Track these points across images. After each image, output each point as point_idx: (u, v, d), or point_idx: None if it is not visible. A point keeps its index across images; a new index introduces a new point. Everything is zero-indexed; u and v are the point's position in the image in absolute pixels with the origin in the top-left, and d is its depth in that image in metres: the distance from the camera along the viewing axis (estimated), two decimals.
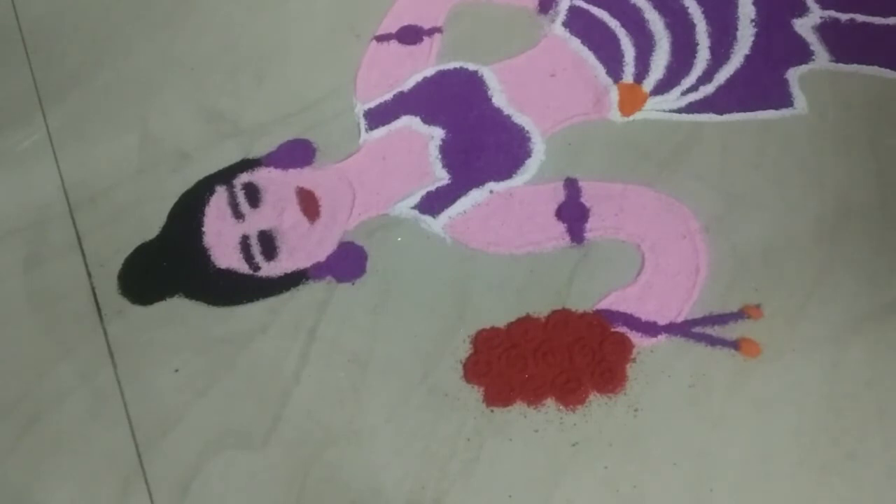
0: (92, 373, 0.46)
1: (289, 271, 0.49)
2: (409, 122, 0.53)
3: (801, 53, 0.53)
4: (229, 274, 0.49)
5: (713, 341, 0.43)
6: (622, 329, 0.44)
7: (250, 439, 0.43)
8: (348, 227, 0.50)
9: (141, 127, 0.55)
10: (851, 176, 0.47)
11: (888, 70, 0.52)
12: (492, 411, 0.43)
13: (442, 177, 0.51)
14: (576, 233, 0.47)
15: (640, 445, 0.41)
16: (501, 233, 0.48)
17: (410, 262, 0.48)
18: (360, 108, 0.54)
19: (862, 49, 0.53)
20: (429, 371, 0.44)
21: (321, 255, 0.49)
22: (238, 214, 0.51)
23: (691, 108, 0.51)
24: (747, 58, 0.53)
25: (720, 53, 0.53)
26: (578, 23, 0.56)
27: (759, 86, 0.52)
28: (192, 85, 0.57)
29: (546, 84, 0.54)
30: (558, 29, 0.56)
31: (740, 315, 0.44)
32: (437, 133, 0.52)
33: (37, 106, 0.58)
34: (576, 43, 0.55)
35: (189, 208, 0.51)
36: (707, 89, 0.52)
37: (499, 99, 0.53)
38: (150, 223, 0.51)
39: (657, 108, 0.52)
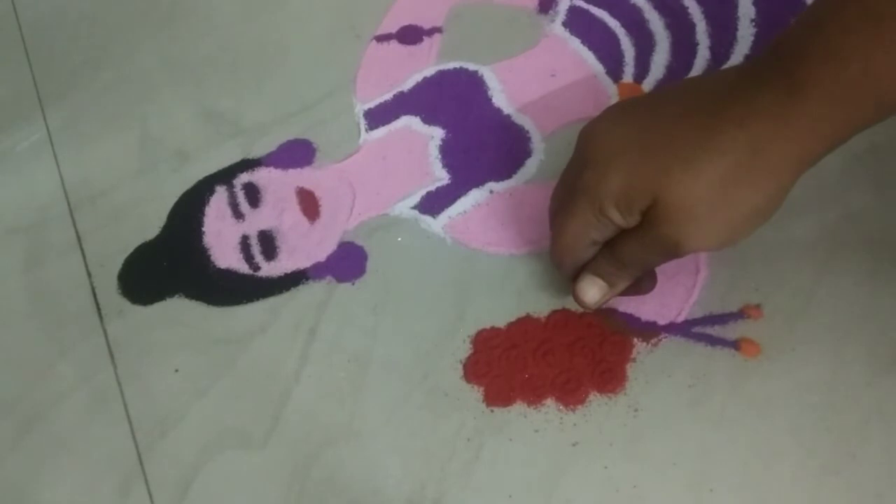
0: (92, 373, 0.46)
1: (289, 271, 0.49)
2: (409, 122, 0.53)
3: None
4: (229, 274, 0.49)
5: (713, 341, 0.43)
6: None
7: (250, 439, 0.43)
8: (348, 227, 0.50)
9: (141, 127, 0.55)
10: (851, 176, 0.47)
11: None
12: (492, 411, 0.43)
13: (442, 177, 0.51)
14: None
15: (640, 445, 0.41)
16: (501, 233, 0.48)
17: (410, 262, 0.48)
18: (360, 108, 0.54)
19: None
20: (429, 371, 0.44)
21: (321, 255, 0.49)
22: (238, 214, 0.51)
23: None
24: (747, 58, 0.53)
25: (720, 53, 0.53)
26: (578, 23, 0.56)
27: None
28: (192, 85, 0.57)
29: (546, 84, 0.54)
30: (558, 29, 0.56)
31: (740, 315, 0.44)
32: (437, 133, 0.52)
33: (37, 106, 0.58)
34: (576, 43, 0.55)
35: (189, 208, 0.51)
36: None
37: (499, 99, 0.53)
38: (150, 223, 0.51)
39: None
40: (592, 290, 0.41)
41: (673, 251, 0.36)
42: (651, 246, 0.37)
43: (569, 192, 0.39)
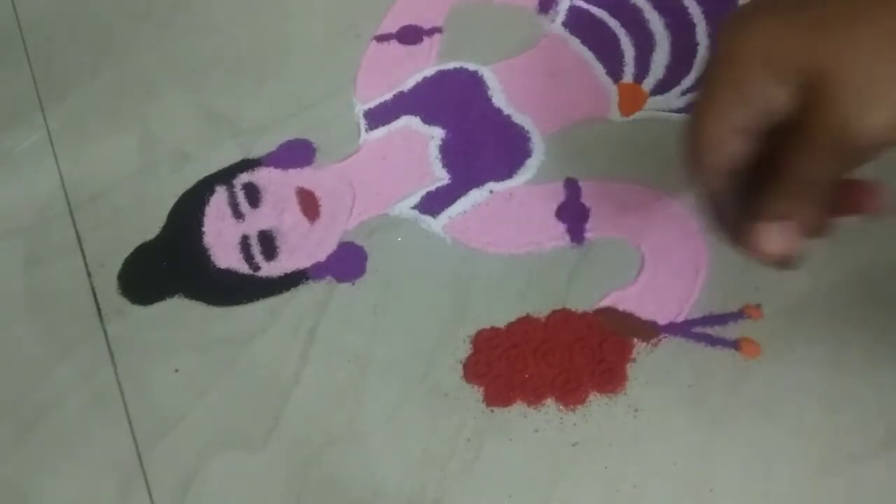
0: (92, 373, 0.46)
1: (289, 271, 0.49)
2: (409, 122, 0.53)
3: None
4: (229, 274, 0.49)
5: (713, 341, 0.43)
6: None
7: (250, 439, 0.43)
8: (348, 227, 0.50)
9: (141, 127, 0.55)
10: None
11: None
12: (492, 411, 0.43)
13: (442, 177, 0.51)
14: (576, 233, 0.47)
15: (640, 445, 0.41)
16: (501, 233, 0.48)
17: (410, 262, 0.48)
18: (360, 108, 0.54)
19: None
20: (429, 371, 0.44)
21: (321, 255, 0.49)
22: (238, 214, 0.51)
23: (691, 109, 0.51)
24: None
25: None
26: (578, 23, 0.56)
27: None
28: (192, 85, 0.57)
29: (546, 84, 0.54)
30: (558, 29, 0.56)
31: (740, 315, 0.44)
32: (437, 133, 0.52)
33: (37, 106, 0.57)
34: (576, 43, 0.55)
35: (189, 208, 0.51)
36: None
37: (499, 99, 0.53)
38: (150, 223, 0.51)
39: (657, 108, 0.52)
40: (772, 234, 0.31)
41: (843, 136, 0.28)
42: (820, 136, 0.28)
43: (701, 87, 0.31)
